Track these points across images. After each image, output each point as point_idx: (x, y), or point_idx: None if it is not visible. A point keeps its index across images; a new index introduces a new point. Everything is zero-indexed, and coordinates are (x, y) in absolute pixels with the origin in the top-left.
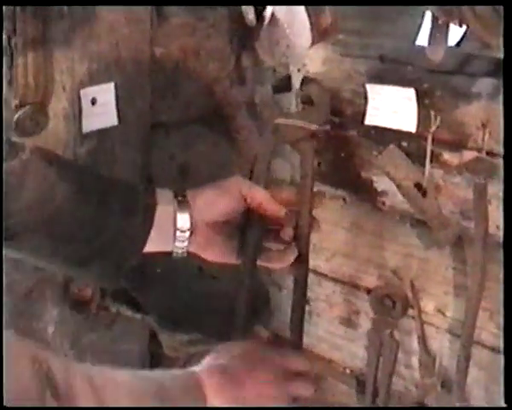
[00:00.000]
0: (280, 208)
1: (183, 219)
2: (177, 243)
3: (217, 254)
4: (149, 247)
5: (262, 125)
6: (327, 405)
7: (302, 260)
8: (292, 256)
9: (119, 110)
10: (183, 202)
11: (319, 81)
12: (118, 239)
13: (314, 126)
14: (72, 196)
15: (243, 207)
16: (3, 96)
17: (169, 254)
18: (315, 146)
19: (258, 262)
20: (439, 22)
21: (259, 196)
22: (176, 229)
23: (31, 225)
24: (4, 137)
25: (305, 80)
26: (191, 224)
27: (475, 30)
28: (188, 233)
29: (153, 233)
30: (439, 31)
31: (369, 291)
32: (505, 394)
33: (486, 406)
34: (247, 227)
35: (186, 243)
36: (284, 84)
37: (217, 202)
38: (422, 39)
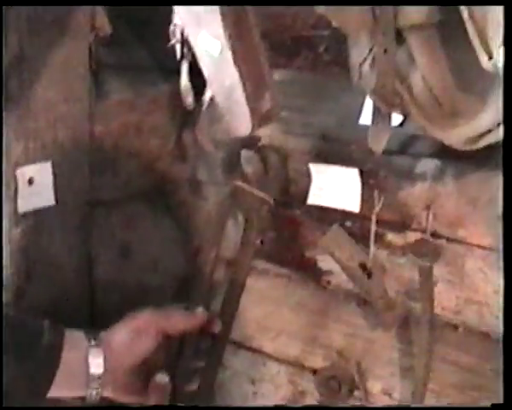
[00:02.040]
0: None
1: (97, 365)
2: (91, 390)
3: (133, 396)
4: (58, 392)
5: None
6: None
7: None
8: None
9: (56, 189)
10: (96, 346)
11: (277, 149)
12: (16, 383)
13: (271, 199)
14: None
15: (159, 343)
16: None
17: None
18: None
19: None
20: (381, 111)
21: (177, 326)
22: (88, 375)
23: None
24: None
25: (263, 148)
26: (105, 369)
27: (416, 119)
28: (101, 379)
29: (61, 378)
30: (380, 120)
31: (314, 372)
32: (505, 393)
33: None
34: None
35: (100, 389)
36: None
37: (135, 345)
38: (365, 118)
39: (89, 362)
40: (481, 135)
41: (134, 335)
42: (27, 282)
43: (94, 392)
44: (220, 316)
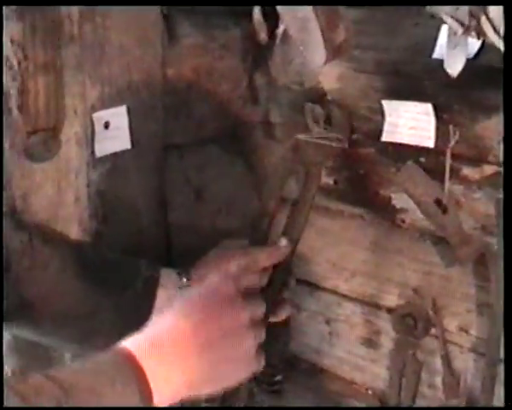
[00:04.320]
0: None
1: None
2: None
3: None
4: None
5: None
6: None
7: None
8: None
9: (132, 133)
10: (187, 286)
11: (338, 101)
12: (119, 313)
13: (334, 144)
14: (66, 274)
15: None
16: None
17: None
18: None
19: None
20: (457, 35)
21: (264, 265)
22: None
23: (26, 304)
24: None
25: (324, 100)
26: None
27: (493, 42)
28: None
29: (155, 316)
30: (456, 43)
31: (390, 311)
32: (505, 394)
33: None
34: None
35: None
36: None
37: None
38: (438, 53)
39: None
40: None
41: (225, 278)
42: (105, 224)
43: None
44: None
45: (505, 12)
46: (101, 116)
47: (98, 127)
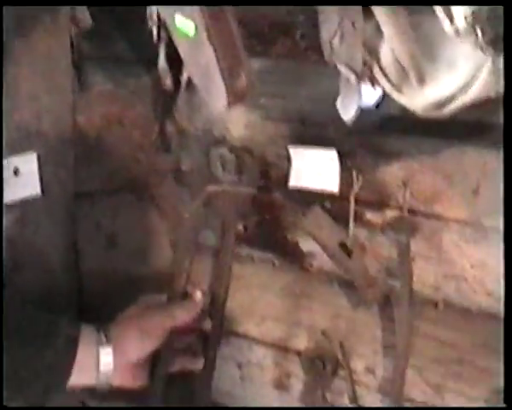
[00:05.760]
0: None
1: (107, 362)
2: (100, 382)
3: (139, 382)
4: (71, 382)
5: (192, 192)
6: None
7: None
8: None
9: (42, 180)
10: (106, 344)
11: (248, 148)
12: (38, 373)
13: (245, 191)
14: None
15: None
16: None
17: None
18: (238, 211)
19: None
20: (350, 82)
21: (182, 321)
22: (99, 371)
23: None
24: None
25: (233, 148)
26: (114, 365)
27: (388, 91)
28: (111, 374)
29: (74, 371)
30: (350, 90)
31: (299, 354)
32: (505, 394)
33: None
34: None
35: (109, 380)
36: None
37: (144, 345)
38: None
39: (99, 360)
40: (446, 101)
41: (143, 336)
42: (16, 271)
43: (103, 383)
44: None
45: (505, 12)
46: (10, 162)
47: (7, 173)
